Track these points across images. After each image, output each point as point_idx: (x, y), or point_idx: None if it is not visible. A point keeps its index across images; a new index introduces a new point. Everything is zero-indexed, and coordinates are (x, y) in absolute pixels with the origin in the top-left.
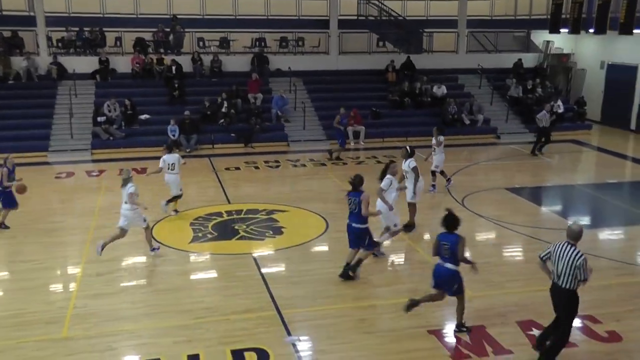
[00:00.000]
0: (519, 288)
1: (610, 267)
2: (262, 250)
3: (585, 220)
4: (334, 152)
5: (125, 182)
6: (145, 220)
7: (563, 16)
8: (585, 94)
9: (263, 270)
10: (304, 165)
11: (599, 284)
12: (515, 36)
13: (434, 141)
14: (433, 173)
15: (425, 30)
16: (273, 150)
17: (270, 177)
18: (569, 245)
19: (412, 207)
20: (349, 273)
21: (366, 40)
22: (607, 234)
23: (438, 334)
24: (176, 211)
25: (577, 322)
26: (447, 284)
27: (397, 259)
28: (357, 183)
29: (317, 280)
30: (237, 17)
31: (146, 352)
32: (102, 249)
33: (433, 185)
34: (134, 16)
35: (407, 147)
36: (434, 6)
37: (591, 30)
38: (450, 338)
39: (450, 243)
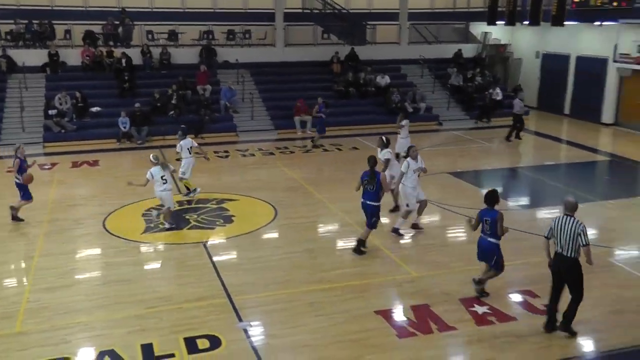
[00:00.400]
0: (462, 267)
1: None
2: (213, 238)
3: (524, 201)
4: (315, 140)
5: (164, 166)
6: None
7: (500, 9)
8: (522, 81)
9: (214, 259)
10: (253, 155)
11: (536, 261)
12: (455, 28)
13: (402, 124)
14: (397, 155)
15: (369, 22)
16: (222, 141)
17: (220, 167)
18: (568, 217)
19: (396, 193)
20: (361, 249)
21: (311, 32)
22: (545, 213)
23: (384, 314)
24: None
25: (516, 297)
26: (488, 256)
27: (345, 243)
28: (372, 165)
29: (268, 267)
30: (185, 10)
31: (100, 344)
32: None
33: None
34: (83, 9)
35: (383, 137)
36: None
37: (526, 22)
38: (397, 317)
39: (491, 219)
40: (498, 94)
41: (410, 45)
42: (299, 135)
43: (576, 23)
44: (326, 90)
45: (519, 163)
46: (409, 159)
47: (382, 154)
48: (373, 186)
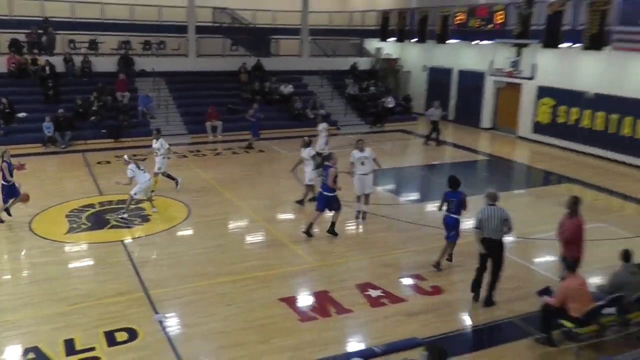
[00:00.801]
0: (358, 256)
1: (434, 233)
2: (131, 237)
3: (413, 196)
4: (249, 142)
5: (136, 162)
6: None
7: (390, 27)
8: (411, 92)
9: (133, 256)
10: (168, 158)
11: (424, 248)
12: (351, 43)
13: (319, 127)
14: (318, 154)
15: (273, 36)
16: (140, 145)
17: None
18: (493, 207)
19: (307, 187)
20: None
21: (221, 44)
22: (431, 207)
23: (288, 301)
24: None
25: (407, 281)
26: (450, 229)
27: (251, 238)
28: (323, 160)
29: (182, 262)
30: (104, 21)
31: (26, 341)
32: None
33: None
34: (8, 17)
35: (306, 138)
36: (280, 16)
37: (414, 40)
38: (299, 303)
39: (456, 199)
40: (390, 102)
41: (311, 58)
42: (210, 139)
43: (458, 41)
44: (235, 98)
45: (409, 162)
46: (354, 150)
47: (306, 153)
48: (324, 177)
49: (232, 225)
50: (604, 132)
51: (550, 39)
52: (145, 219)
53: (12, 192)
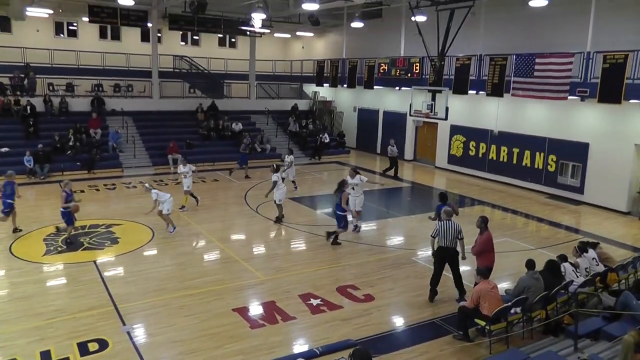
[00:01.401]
0: (300, 270)
1: (367, 249)
2: (103, 257)
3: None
4: (233, 170)
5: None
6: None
7: (325, 74)
8: (344, 128)
9: (103, 274)
10: (135, 187)
11: (357, 262)
12: (292, 87)
13: (287, 159)
14: (293, 182)
15: (226, 81)
16: (110, 175)
17: (108, 197)
18: (449, 221)
19: (279, 207)
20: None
21: (180, 87)
22: (363, 227)
23: (240, 311)
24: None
25: (343, 291)
26: (338, 222)
27: (207, 256)
28: (339, 186)
29: (147, 278)
30: (79, 67)
31: (4, 354)
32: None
33: (295, 187)
34: None
35: (275, 165)
36: (231, 63)
37: (345, 85)
38: (249, 313)
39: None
40: (326, 137)
41: (258, 100)
42: (172, 170)
43: (382, 87)
44: (193, 134)
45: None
46: (347, 177)
47: (276, 176)
48: (338, 199)
49: (190, 245)
50: (507, 163)
51: (459, 87)
52: (115, 241)
53: (69, 218)
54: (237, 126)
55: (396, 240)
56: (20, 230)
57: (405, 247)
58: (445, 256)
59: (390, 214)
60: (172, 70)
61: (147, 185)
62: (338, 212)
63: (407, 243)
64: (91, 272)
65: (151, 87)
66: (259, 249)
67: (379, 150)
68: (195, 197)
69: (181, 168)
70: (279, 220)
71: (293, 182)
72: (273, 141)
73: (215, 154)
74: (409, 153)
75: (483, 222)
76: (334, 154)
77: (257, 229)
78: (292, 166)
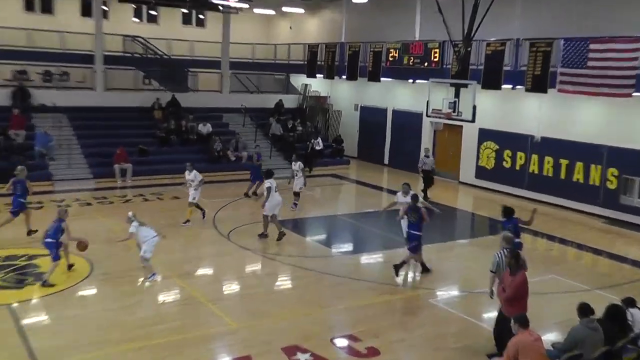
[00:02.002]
0: (285, 315)
1: (369, 288)
2: (21, 299)
3: (344, 247)
4: (253, 189)
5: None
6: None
7: (319, 63)
8: (343, 132)
9: (21, 322)
10: (69, 206)
11: (358, 304)
12: (276, 79)
13: (294, 167)
14: (296, 193)
15: (190, 69)
16: (36, 191)
17: (32, 219)
18: (509, 249)
19: (265, 218)
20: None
21: (132, 77)
22: (366, 259)
23: None
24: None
25: (339, 342)
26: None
27: (163, 297)
28: (413, 201)
29: (82, 326)
30: None
31: None
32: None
33: (295, 204)
34: None
35: (267, 170)
36: (198, 47)
37: (344, 77)
38: None
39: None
40: (319, 143)
41: (232, 94)
42: (119, 184)
43: (391, 80)
44: (147, 137)
45: (340, 210)
46: (399, 193)
47: (265, 184)
48: (415, 219)
49: (139, 283)
50: (553, 178)
51: (490, 80)
52: (39, 277)
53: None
54: (205, 128)
55: (408, 275)
56: (36, 231)
57: (421, 285)
58: None
59: (401, 242)
60: (121, 54)
61: (130, 214)
62: (413, 232)
63: (424, 280)
64: (4, 320)
65: (93, 76)
66: (231, 287)
67: (386, 161)
68: (201, 209)
69: (186, 175)
70: (263, 236)
71: (296, 194)
72: (251, 147)
73: (175, 163)
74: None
75: (514, 258)
76: (329, 165)
77: (229, 260)
78: (300, 176)
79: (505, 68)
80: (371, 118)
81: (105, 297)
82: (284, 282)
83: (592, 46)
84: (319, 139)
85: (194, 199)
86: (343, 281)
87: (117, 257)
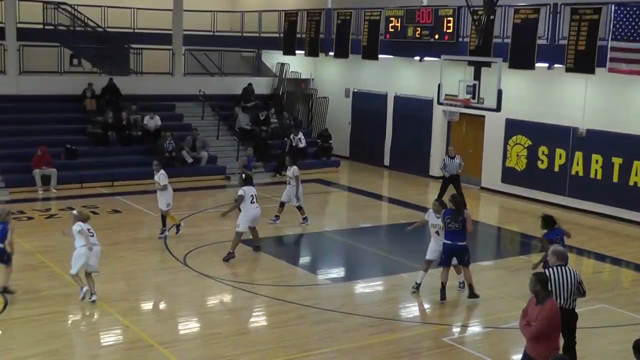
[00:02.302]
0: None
1: (365, 325)
2: None
3: (335, 273)
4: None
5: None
6: None
7: (298, 36)
8: (330, 126)
9: None
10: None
11: (352, 346)
12: (244, 57)
13: (288, 172)
14: (282, 204)
15: (132, 46)
16: None
17: None
18: (564, 268)
19: (236, 236)
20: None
21: (55, 56)
22: (362, 287)
23: None
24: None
25: None
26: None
27: (101, 339)
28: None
29: None
30: None
31: None
32: None
33: (276, 216)
34: None
35: (243, 174)
36: (142, 16)
37: (331, 54)
38: None
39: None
40: (300, 140)
41: (187, 77)
42: (41, 194)
43: (392, 57)
44: (77, 134)
45: (329, 226)
46: (431, 210)
47: (239, 192)
48: (458, 225)
49: (71, 320)
50: (602, 181)
51: (520, 57)
52: None
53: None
54: (153, 121)
55: (413, 308)
56: (12, 293)
57: (431, 319)
58: (564, 327)
59: (404, 265)
60: (41, 27)
61: (75, 212)
62: (459, 244)
63: (433, 313)
64: None
65: (5, 54)
66: (189, 326)
67: (387, 162)
68: (177, 226)
69: (156, 176)
70: (229, 256)
71: (299, 208)
72: (213, 145)
73: (115, 167)
74: (436, 165)
75: (540, 283)
76: (314, 167)
77: (186, 291)
78: (294, 184)
79: (539, 42)
80: (367, 107)
81: (21, 342)
82: (257, 319)
83: None
84: (301, 134)
85: (168, 205)
86: (333, 317)
87: (39, 288)
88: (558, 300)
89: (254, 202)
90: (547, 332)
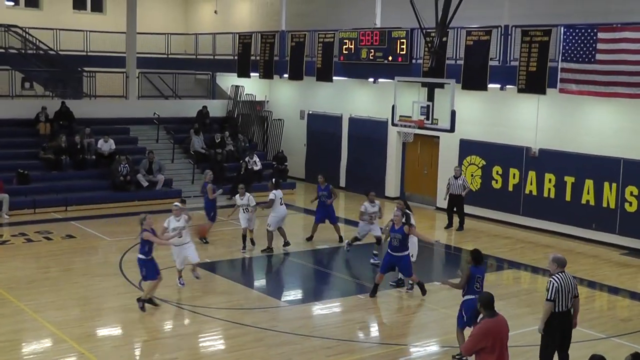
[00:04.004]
0: None
1: (323, 346)
2: None
3: (292, 295)
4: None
5: None
6: None
7: (252, 58)
8: (285, 148)
9: None
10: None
11: None
12: (198, 79)
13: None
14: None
15: (86, 69)
16: None
17: None
18: (565, 273)
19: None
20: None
21: (7, 79)
22: (319, 309)
23: None
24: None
25: None
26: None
27: None
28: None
29: None
30: None
31: None
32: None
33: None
34: None
35: (273, 179)
36: (95, 39)
37: (285, 76)
38: None
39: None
40: (256, 163)
41: (141, 100)
42: None
43: (346, 79)
44: (29, 159)
45: (288, 248)
46: (366, 202)
47: (270, 195)
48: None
49: (24, 350)
50: (555, 200)
51: (473, 79)
52: None
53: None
54: (107, 145)
55: (371, 329)
56: None
57: (389, 340)
58: (565, 326)
59: (361, 286)
60: None
61: (177, 204)
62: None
63: (391, 334)
64: None
65: None
66: (145, 352)
67: (342, 183)
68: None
69: (238, 200)
70: (268, 249)
71: (283, 238)
72: (168, 169)
73: (68, 192)
74: (392, 185)
75: (483, 304)
76: (270, 190)
77: (142, 316)
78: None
79: (491, 63)
80: (322, 128)
81: None
82: (214, 343)
83: (600, 35)
84: (256, 157)
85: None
86: (291, 339)
87: None
88: (560, 305)
89: (282, 204)
90: (481, 351)
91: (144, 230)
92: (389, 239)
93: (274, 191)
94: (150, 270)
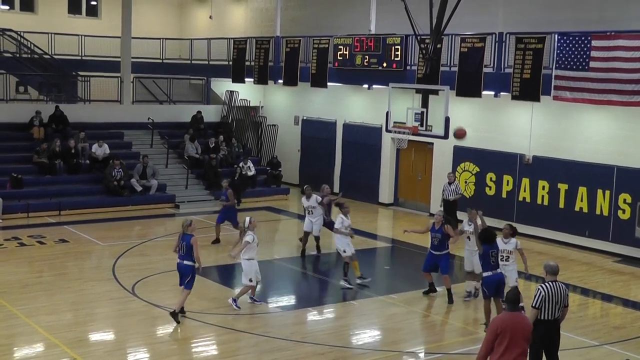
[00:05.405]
0: None
1: (316, 352)
2: None
3: (285, 301)
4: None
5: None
6: None
7: (247, 63)
8: (279, 153)
9: None
10: None
11: None
12: (192, 84)
13: (308, 202)
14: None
15: (80, 73)
16: None
17: None
18: (556, 282)
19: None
20: None
21: (2, 83)
22: (312, 315)
23: None
24: None
25: None
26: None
27: None
28: None
29: None
30: None
31: None
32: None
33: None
34: None
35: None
36: (90, 44)
37: (280, 81)
38: None
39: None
40: (250, 168)
41: (135, 105)
42: None
43: (341, 85)
44: (23, 163)
45: (278, 253)
46: (340, 215)
47: (305, 202)
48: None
49: (16, 354)
50: (549, 207)
51: (467, 86)
52: None
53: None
54: (101, 149)
55: (364, 335)
56: None
57: (381, 347)
58: (552, 335)
59: (354, 292)
60: None
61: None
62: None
63: (388, 341)
64: None
65: None
66: (138, 357)
67: (336, 189)
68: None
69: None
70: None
71: (316, 240)
72: (162, 173)
73: (62, 196)
74: (385, 192)
75: (507, 299)
76: (263, 195)
77: (135, 322)
78: (320, 214)
79: (485, 70)
80: (316, 134)
81: None
82: (207, 349)
83: (594, 43)
84: (250, 162)
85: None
86: (283, 345)
87: None
88: (546, 314)
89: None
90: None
91: (191, 236)
92: (430, 239)
93: (315, 196)
94: (193, 278)
